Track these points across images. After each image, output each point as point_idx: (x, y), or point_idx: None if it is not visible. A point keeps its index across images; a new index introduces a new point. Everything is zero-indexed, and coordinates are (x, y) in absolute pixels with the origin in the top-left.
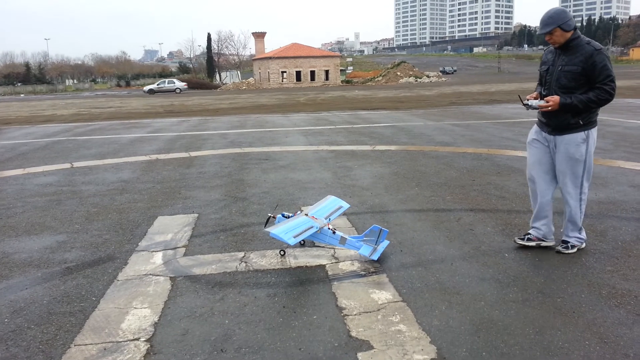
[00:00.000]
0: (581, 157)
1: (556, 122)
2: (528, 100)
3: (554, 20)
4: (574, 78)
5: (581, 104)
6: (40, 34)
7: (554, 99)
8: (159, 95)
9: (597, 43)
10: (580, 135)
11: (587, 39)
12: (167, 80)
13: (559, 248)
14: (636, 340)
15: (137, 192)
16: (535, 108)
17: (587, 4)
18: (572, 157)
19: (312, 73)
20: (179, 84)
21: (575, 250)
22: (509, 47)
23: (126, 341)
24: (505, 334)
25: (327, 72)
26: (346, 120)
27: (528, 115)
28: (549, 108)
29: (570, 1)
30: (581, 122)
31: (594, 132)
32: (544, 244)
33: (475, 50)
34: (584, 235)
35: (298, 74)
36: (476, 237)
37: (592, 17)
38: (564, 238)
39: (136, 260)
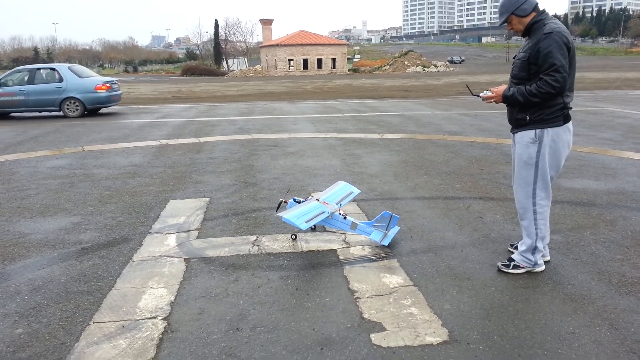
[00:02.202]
0: (530, 159)
1: (509, 117)
2: (484, 91)
3: (506, 8)
4: (522, 67)
5: (522, 97)
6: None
7: (499, 90)
8: (165, 81)
9: (555, 25)
10: (529, 134)
11: (552, 22)
12: None
13: (499, 263)
14: None
15: (148, 176)
16: (483, 99)
17: None
18: (520, 159)
19: (319, 61)
20: None
21: (519, 271)
22: (517, 38)
23: (144, 319)
24: (516, 319)
25: (334, 60)
26: (354, 108)
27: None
28: (492, 100)
29: None
30: (528, 118)
31: (551, 133)
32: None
33: (484, 40)
34: (537, 258)
35: (305, 61)
36: (486, 224)
37: (603, 8)
38: (513, 255)
39: (150, 241)
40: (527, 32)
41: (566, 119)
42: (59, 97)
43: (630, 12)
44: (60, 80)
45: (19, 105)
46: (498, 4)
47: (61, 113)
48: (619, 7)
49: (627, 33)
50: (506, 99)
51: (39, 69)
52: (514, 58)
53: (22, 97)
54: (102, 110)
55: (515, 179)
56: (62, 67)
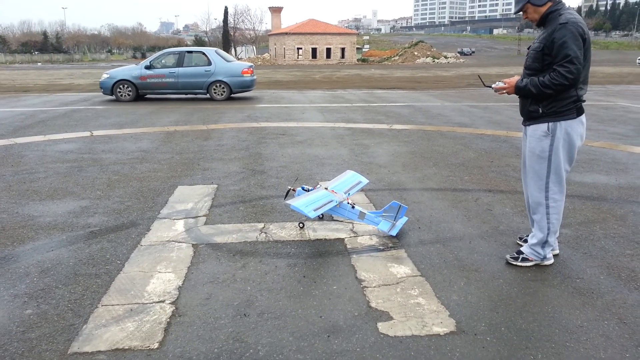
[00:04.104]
0: (542, 153)
1: (521, 110)
2: (497, 82)
3: None
4: (536, 58)
5: (535, 88)
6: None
7: (511, 80)
8: None
9: (570, 16)
10: (542, 127)
11: (568, 12)
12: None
13: (507, 256)
14: None
15: (156, 161)
16: (495, 91)
17: None
18: (532, 152)
19: (328, 50)
20: None
21: (528, 264)
22: (530, 30)
23: (152, 303)
24: (524, 311)
25: (343, 49)
26: (362, 98)
27: None
28: (505, 91)
29: None
30: (541, 111)
31: (564, 126)
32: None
33: (495, 31)
34: (546, 252)
35: (314, 50)
36: (494, 217)
37: (617, 2)
38: (522, 247)
39: (158, 227)
40: (542, 22)
41: (579, 111)
42: (207, 81)
43: None
44: (209, 63)
45: (167, 87)
46: None
47: (207, 96)
48: (634, 0)
49: None
50: (519, 90)
51: (188, 52)
52: (528, 49)
53: (172, 80)
54: (108, 97)
55: (528, 173)
56: (210, 51)
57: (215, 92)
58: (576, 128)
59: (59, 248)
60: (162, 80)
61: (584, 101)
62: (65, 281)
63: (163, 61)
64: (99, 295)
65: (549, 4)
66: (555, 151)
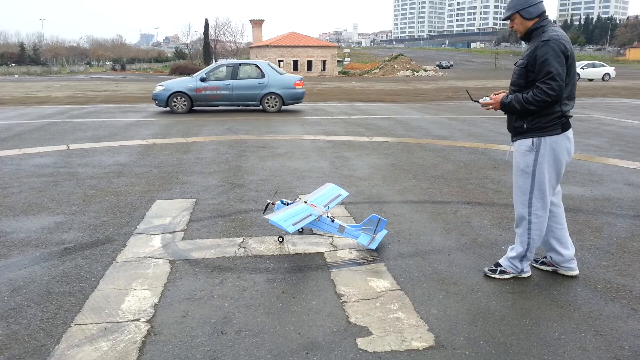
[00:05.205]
0: (527, 168)
1: (508, 125)
2: (484, 97)
3: (514, 5)
4: (521, 74)
5: (519, 105)
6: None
7: (497, 97)
8: (154, 80)
9: (553, 33)
10: (527, 142)
11: (551, 29)
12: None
13: (485, 268)
14: (631, 333)
15: (134, 175)
16: (483, 106)
17: (586, 2)
18: (517, 167)
19: (309, 63)
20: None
21: (506, 277)
22: (507, 44)
23: (126, 321)
24: (502, 324)
25: (324, 62)
26: (343, 111)
27: None
28: (491, 107)
29: (568, 0)
30: (526, 126)
31: (549, 141)
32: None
33: (473, 45)
34: (524, 266)
35: (295, 63)
36: (473, 229)
37: (590, 17)
38: (500, 260)
39: (135, 242)
40: (526, 36)
41: (565, 127)
42: (260, 93)
43: (617, 21)
44: (262, 76)
45: (222, 99)
46: (488, 10)
47: (260, 107)
48: (606, 15)
49: (613, 41)
50: (504, 106)
51: (241, 64)
52: (514, 65)
53: (227, 92)
54: (86, 109)
55: (513, 187)
56: (263, 64)
57: (267, 104)
58: (562, 143)
59: (32, 265)
60: (217, 93)
61: (570, 117)
62: (37, 300)
63: (217, 74)
64: (72, 314)
65: (536, 19)
66: (539, 167)
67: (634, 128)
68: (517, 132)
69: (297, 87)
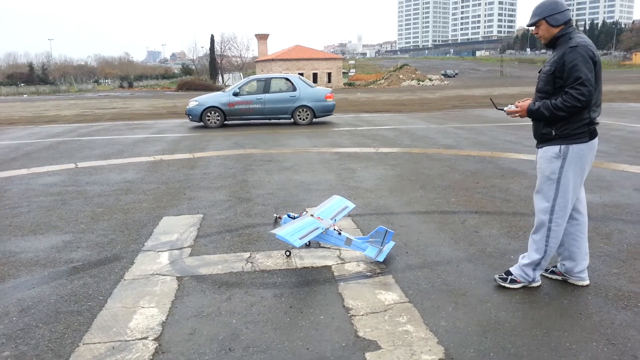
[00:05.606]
0: (552, 175)
1: (534, 132)
2: (509, 105)
3: (541, 11)
4: (547, 81)
5: (547, 111)
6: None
7: (524, 104)
8: (161, 97)
9: (580, 39)
10: (554, 149)
11: (578, 35)
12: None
13: (496, 276)
14: None
15: (142, 192)
16: (508, 113)
17: (591, 7)
18: (542, 174)
19: (315, 75)
20: None
21: (516, 286)
22: (512, 51)
23: (134, 340)
24: (512, 335)
25: (329, 74)
26: (349, 122)
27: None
28: (517, 114)
29: (573, 4)
30: (554, 133)
31: (576, 149)
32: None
33: (478, 53)
34: (536, 274)
35: (301, 75)
36: (481, 239)
37: (595, 21)
38: (511, 268)
39: (142, 260)
40: (551, 43)
41: (592, 135)
42: (292, 106)
43: (623, 26)
44: (294, 89)
45: (254, 113)
46: (492, 18)
47: (291, 120)
48: (611, 20)
49: (619, 46)
50: (531, 113)
51: (272, 78)
52: (539, 72)
53: (259, 106)
54: (94, 127)
55: (535, 194)
56: (294, 77)
57: (299, 117)
58: (587, 152)
59: (41, 285)
60: (250, 107)
61: (597, 124)
62: (45, 320)
63: (250, 88)
64: (80, 333)
65: (562, 27)
66: (565, 174)
67: None
68: (544, 139)
69: (328, 99)
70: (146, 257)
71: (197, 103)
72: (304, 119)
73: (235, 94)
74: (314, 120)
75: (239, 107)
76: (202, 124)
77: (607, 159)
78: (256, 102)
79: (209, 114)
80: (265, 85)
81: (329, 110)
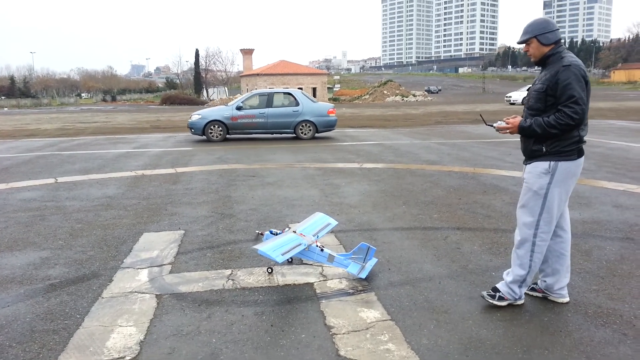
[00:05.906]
0: (540, 190)
1: (523, 148)
2: (498, 122)
3: (532, 29)
4: (539, 98)
5: (539, 128)
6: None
7: (514, 121)
8: (144, 111)
9: (572, 59)
10: (543, 165)
11: (569, 55)
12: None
13: (484, 292)
14: (622, 359)
15: (122, 208)
16: (497, 130)
17: (570, 26)
18: (530, 188)
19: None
20: None
21: (503, 304)
22: (493, 68)
23: None
24: (493, 353)
25: (314, 89)
26: (333, 137)
27: (514, 135)
28: (508, 131)
29: None
30: (544, 150)
31: (564, 166)
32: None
33: (461, 70)
34: (521, 292)
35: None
36: (463, 255)
37: (575, 40)
38: (498, 285)
39: (121, 277)
40: (541, 62)
41: (580, 153)
42: (295, 120)
43: (601, 44)
44: (297, 104)
45: (257, 127)
46: (474, 35)
47: (294, 135)
48: (590, 38)
49: (598, 64)
50: (523, 130)
51: (275, 93)
52: (528, 90)
53: (262, 120)
54: (75, 142)
55: (520, 208)
56: (297, 92)
57: (301, 132)
58: (574, 170)
59: (16, 303)
60: (252, 121)
61: (585, 142)
62: (20, 339)
63: (253, 102)
64: (55, 353)
65: (553, 45)
66: (552, 190)
67: (621, 149)
68: (533, 155)
69: (330, 114)
70: (125, 275)
71: (200, 117)
72: (306, 134)
73: (239, 108)
74: (316, 135)
75: (242, 121)
76: (204, 137)
77: (586, 175)
78: (259, 117)
79: (211, 127)
80: (268, 100)
81: (331, 126)
